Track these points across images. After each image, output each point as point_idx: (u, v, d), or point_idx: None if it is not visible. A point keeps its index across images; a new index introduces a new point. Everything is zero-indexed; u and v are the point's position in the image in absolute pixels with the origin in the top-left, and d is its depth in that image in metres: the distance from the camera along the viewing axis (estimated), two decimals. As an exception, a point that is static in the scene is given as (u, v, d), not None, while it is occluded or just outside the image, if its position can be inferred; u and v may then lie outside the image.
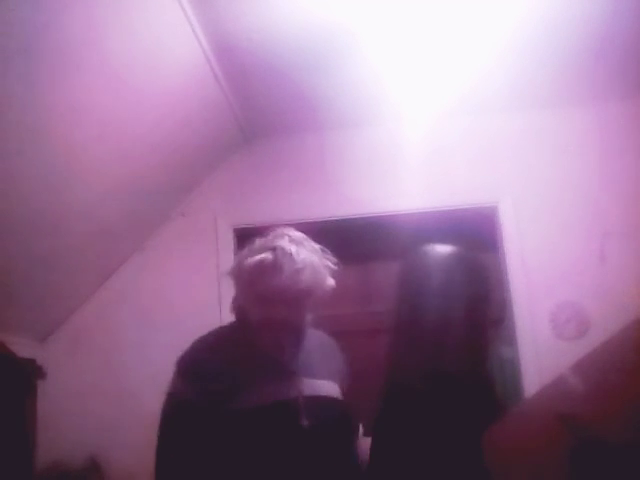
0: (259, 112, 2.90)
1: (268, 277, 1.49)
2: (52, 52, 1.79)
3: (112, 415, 2.84)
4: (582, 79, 2.76)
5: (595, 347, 1.28)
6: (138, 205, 2.77)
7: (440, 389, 1.35)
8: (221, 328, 1.67)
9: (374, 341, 1.95)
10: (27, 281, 2.46)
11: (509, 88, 2.79)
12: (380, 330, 1.64)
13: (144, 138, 2.45)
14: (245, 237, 1.76)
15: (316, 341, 1.67)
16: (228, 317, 1.68)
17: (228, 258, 2.94)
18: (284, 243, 1.52)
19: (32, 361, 2.83)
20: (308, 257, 1.51)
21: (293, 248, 1.51)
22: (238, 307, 1.61)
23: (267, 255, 1.50)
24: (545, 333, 2.80)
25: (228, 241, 3.05)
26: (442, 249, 1.50)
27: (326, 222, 2.97)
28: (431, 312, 1.42)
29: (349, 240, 2.90)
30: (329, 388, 1.59)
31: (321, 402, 1.55)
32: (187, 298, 2.96)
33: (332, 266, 1.58)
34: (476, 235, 2.62)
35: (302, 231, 1.60)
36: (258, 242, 1.57)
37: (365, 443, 1.54)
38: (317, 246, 1.58)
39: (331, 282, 1.57)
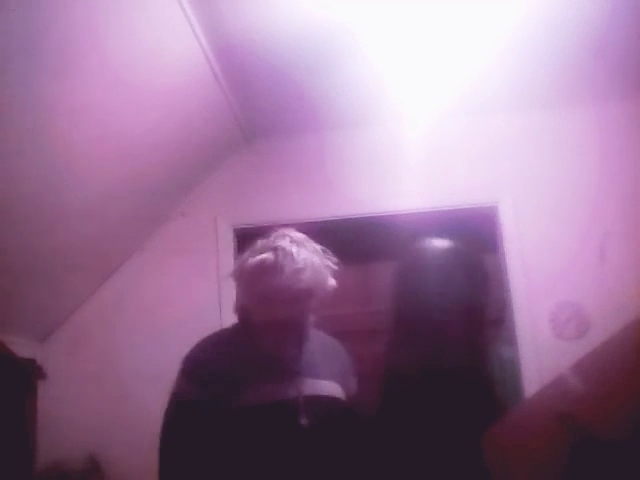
0: (259, 112, 2.90)
1: (269, 277, 1.49)
2: (52, 52, 1.78)
3: (112, 415, 2.84)
4: (582, 79, 2.76)
5: (595, 347, 1.28)
6: (138, 205, 2.77)
7: (438, 384, 1.35)
8: (225, 329, 1.69)
9: (374, 341, 1.95)
10: (27, 281, 2.46)
11: (509, 88, 2.79)
12: (380, 330, 1.65)
13: (144, 138, 2.45)
14: (245, 237, 1.77)
15: (319, 342, 1.68)
16: (228, 317, 1.69)
17: (228, 258, 2.94)
18: (285, 243, 1.53)
19: (32, 361, 2.83)
20: (309, 257, 1.52)
21: (294, 248, 1.51)
22: (241, 308, 1.62)
23: (268, 255, 1.51)
24: (545, 333, 2.79)
25: (228, 241, 3.04)
26: (439, 243, 1.51)
27: (326, 222, 2.96)
28: (429, 305, 1.42)
29: (349, 240, 2.90)
30: (330, 388, 1.59)
31: (322, 402, 1.55)
32: (187, 298, 2.96)
33: (333, 266, 1.58)
34: (476, 235, 2.61)
35: (302, 231, 1.61)
36: (259, 243, 1.58)
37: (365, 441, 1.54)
38: (318, 246, 1.59)
39: (332, 282, 1.58)
